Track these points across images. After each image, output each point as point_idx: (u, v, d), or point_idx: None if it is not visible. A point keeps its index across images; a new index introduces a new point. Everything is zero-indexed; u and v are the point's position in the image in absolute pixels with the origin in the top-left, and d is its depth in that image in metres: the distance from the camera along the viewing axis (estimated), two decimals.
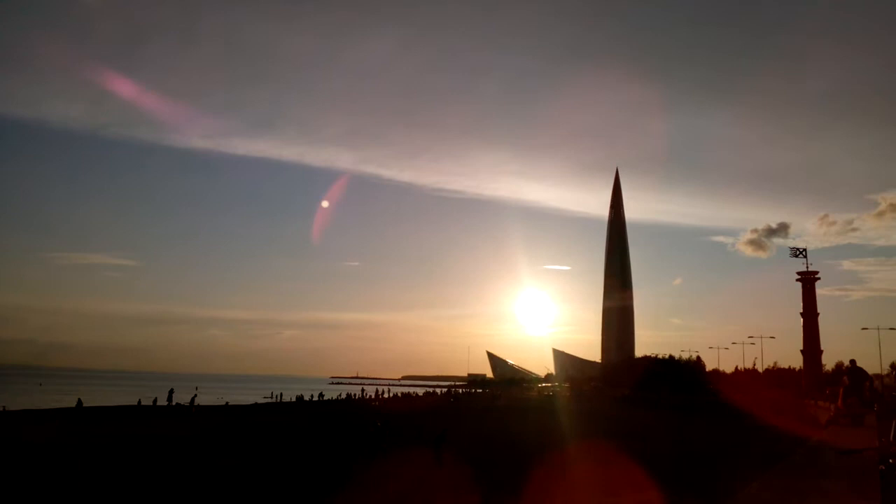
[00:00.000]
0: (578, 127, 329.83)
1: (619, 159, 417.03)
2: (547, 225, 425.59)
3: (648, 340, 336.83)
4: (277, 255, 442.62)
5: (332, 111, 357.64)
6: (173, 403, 60.30)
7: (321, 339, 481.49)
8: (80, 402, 53.17)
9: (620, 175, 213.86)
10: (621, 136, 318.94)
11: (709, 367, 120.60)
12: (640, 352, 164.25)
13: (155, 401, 59.86)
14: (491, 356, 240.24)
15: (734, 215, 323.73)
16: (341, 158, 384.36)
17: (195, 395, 64.73)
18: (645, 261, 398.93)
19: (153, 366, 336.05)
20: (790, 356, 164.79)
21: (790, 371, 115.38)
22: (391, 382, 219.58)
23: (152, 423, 39.62)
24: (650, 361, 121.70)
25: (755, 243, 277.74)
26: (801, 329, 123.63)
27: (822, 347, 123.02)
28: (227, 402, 67.72)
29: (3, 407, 46.90)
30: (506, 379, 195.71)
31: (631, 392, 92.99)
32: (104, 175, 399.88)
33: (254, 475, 18.77)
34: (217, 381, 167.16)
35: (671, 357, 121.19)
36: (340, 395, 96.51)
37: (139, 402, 59.05)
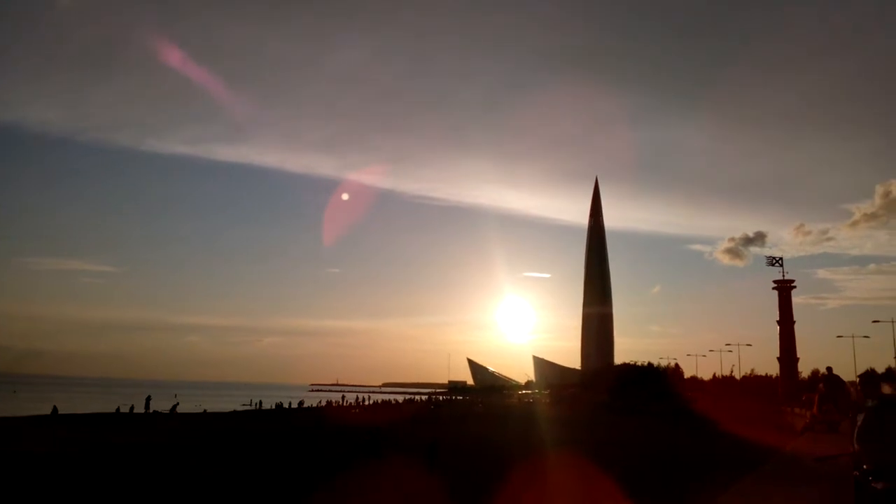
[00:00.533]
0: (558, 135, 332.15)
1: (598, 168, 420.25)
2: (527, 233, 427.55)
3: (628, 347, 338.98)
4: (257, 261, 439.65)
5: (313, 117, 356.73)
6: (150, 411, 59.62)
7: (301, 346, 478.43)
8: (55, 409, 52.40)
9: (600, 183, 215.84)
10: (601, 145, 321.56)
11: (687, 374, 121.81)
12: (619, 359, 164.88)
13: (131, 408, 59.12)
14: (471, 363, 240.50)
15: (712, 224, 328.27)
16: (322, 165, 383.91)
17: (176, 404, 64.05)
18: (624, 269, 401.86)
19: (132, 373, 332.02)
20: (767, 363, 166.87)
21: (767, 378, 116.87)
22: (372, 390, 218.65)
23: (129, 430, 39.17)
24: (629, 368, 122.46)
25: (732, 252, 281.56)
26: (778, 337, 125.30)
27: (798, 355, 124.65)
28: (205, 410, 67.09)
29: None
30: (486, 386, 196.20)
31: (610, 399, 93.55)
32: (82, 180, 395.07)
33: (237, 482, 18.68)
34: (196, 388, 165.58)
35: (650, 364, 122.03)
36: (321, 403, 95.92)
37: (118, 409, 58.26)
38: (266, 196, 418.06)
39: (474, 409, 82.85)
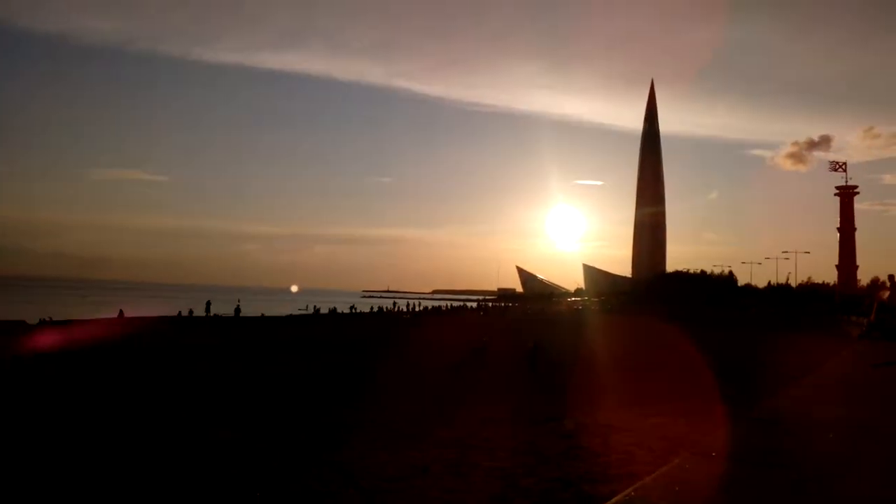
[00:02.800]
0: (613, 36, 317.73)
1: (655, 70, 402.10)
2: (580, 139, 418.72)
3: (680, 255, 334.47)
4: (307, 170, 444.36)
5: (360, 22, 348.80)
6: (211, 314, 62.18)
7: (353, 254, 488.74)
8: (121, 312, 55.14)
9: (656, 86, 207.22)
10: (658, 46, 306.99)
11: (741, 282, 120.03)
12: (671, 267, 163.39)
13: (191, 312, 61.67)
14: (520, 271, 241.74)
15: (775, 128, 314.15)
16: (371, 73, 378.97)
17: (238, 307, 66.29)
18: (679, 175, 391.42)
19: (190, 279, 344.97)
20: (825, 272, 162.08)
21: (824, 286, 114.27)
22: (422, 296, 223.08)
23: (196, 332, 40.98)
24: (682, 276, 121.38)
25: (795, 157, 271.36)
26: (838, 244, 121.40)
27: (858, 262, 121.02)
28: (262, 314, 69.39)
29: (50, 317, 48.77)
30: (535, 293, 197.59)
31: (661, 306, 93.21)
32: (134, 91, 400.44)
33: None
34: (251, 293, 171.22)
35: (703, 272, 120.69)
36: (372, 309, 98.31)
37: (179, 313, 60.93)
38: (316, 105, 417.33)
39: (504, 316, 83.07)
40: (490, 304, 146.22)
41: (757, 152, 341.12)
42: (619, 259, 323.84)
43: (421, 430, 12.51)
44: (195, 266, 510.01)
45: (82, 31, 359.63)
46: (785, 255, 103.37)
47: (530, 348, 20.84)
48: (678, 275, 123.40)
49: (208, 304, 65.11)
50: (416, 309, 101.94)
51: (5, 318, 47.27)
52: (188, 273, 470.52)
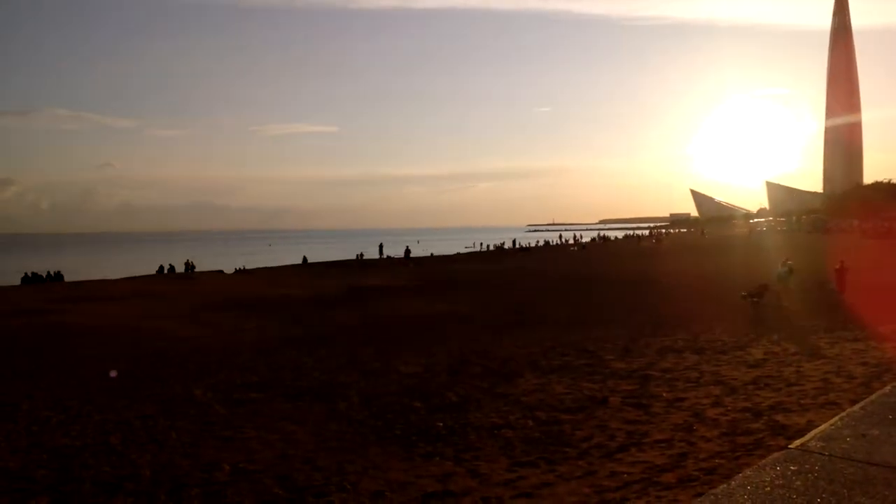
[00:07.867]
0: None
1: None
2: (760, 43, 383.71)
3: (880, 164, 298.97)
4: (466, 108, 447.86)
5: None
6: (385, 256, 65.27)
7: (515, 190, 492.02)
8: (304, 258, 59.62)
9: None
10: None
11: None
12: (869, 178, 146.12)
13: (360, 255, 65.13)
14: (695, 194, 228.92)
15: None
16: None
17: (408, 249, 68.76)
18: (876, 74, 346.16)
19: (361, 224, 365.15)
20: None
21: None
22: (588, 227, 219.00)
23: (374, 273, 43.23)
24: (883, 187, 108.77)
25: None
26: None
27: None
28: (431, 253, 71.65)
29: (243, 266, 53.83)
30: (711, 217, 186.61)
31: (860, 222, 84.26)
32: (300, 45, 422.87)
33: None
34: (418, 234, 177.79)
35: None
36: (538, 242, 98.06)
37: (359, 255, 64.95)
38: (473, 39, 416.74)
39: (651, 245, 77.73)
40: (662, 231, 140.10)
41: None
42: (807, 174, 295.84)
43: (595, 361, 12.37)
44: (364, 211, 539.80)
45: None
46: None
47: (838, 268, 21.52)
48: (878, 186, 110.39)
49: (381, 246, 68.36)
50: (582, 239, 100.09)
51: (209, 269, 53.07)
52: (358, 218, 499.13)
